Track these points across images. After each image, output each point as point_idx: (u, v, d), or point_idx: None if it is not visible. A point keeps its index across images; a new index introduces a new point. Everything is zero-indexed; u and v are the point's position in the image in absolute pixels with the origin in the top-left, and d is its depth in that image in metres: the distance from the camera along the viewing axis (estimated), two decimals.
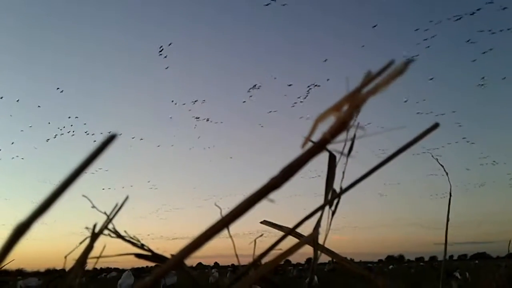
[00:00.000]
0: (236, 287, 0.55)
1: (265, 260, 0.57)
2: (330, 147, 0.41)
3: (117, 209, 0.73)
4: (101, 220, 0.76)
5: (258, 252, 0.61)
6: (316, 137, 0.35)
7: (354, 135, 0.48)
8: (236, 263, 0.88)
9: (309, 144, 0.35)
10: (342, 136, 0.35)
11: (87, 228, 0.72)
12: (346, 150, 0.52)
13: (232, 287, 0.56)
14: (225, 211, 0.36)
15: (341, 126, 0.33)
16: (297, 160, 0.34)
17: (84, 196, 0.80)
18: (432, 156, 1.14)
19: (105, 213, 0.75)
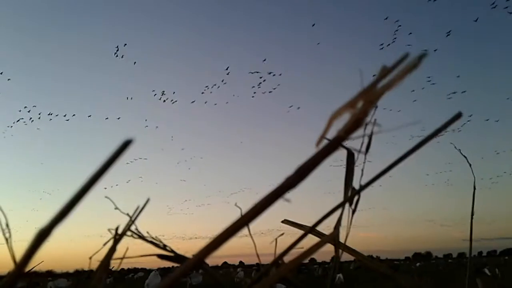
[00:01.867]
0: (257, 287, 0.55)
1: (286, 259, 0.57)
2: (347, 144, 0.40)
3: (139, 211, 0.74)
4: (125, 220, 0.78)
5: (280, 251, 0.61)
6: (330, 135, 0.35)
7: (372, 132, 0.48)
8: (263, 263, 0.88)
9: (324, 142, 0.35)
10: (359, 133, 0.35)
11: (109, 230, 0.73)
12: (363, 148, 0.51)
13: (253, 286, 0.56)
14: (238, 211, 0.36)
15: (356, 123, 0.33)
16: (312, 159, 0.34)
17: (107, 197, 0.81)
18: (455, 147, 1.10)
19: (128, 214, 0.76)
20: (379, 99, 0.33)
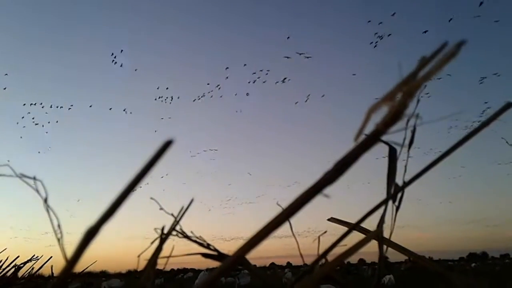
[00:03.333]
0: (300, 286, 0.54)
1: (331, 258, 0.56)
2: (388, 139, 0.39)
3: (184, 211, 0.76)
4: (166, 222, 0.79)
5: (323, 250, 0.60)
6: (369, 129, 0.34)
7: (415, 126, 0.46)
8: (308, 263, 0.87)
9: (362, 137, 0.34)
10: (399, 126, 0.34)
11: (155, 229, 0.75)
12: (404, 142, 0.50)
13: (296, 285, 0.56)
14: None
15: (395, 115, 0.32)
16: (350, 153, 0.33)
17: (152, 198, 0.84)
18: (507, 142, 1.05)
19: (172, 214, 0.78)
20: (418, 90, 0.32)
